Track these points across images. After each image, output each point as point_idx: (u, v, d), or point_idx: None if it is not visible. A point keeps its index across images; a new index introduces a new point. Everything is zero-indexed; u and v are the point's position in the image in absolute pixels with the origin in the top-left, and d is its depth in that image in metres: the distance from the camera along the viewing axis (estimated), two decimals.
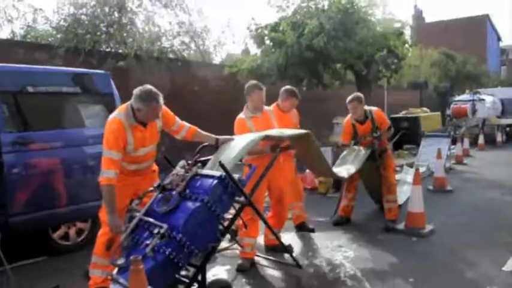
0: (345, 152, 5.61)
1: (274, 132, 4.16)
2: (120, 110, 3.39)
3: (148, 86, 3.35)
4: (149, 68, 9.52)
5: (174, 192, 3.24)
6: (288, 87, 5.23)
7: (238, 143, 3.76)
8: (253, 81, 4.55)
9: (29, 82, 4.39)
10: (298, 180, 5.55)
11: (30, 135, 4.21)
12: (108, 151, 3.24)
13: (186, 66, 11.15)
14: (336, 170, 5.23)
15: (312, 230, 5.41)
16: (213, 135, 3.88)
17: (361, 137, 5.53)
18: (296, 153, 5.00)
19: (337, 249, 4.80)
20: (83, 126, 4.70)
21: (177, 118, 3.71)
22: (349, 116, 5.63)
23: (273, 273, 4.23)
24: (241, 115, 4.45)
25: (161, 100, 3.33)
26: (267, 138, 3.98)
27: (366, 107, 5.53)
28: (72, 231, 4.69)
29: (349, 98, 5.49)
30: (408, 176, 7.06)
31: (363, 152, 5.42)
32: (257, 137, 3.81)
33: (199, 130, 3.84)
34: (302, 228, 5.43)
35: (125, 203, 3.40)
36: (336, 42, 9.41)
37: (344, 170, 5.25)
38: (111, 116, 3.38)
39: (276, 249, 4.61)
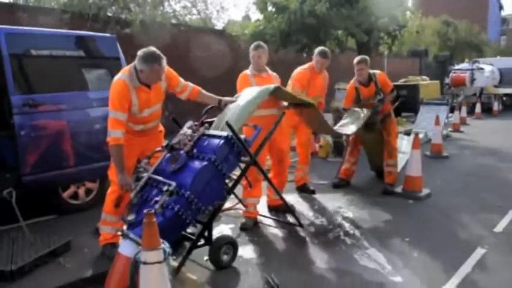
0: (345, 120, 5.61)
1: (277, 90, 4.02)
2: (124, 71, 3.42)
3: (152, 48, 3.36)
4: (153, 33, 9.44)
5: (182, 152, 3.33)
6: (320, 47, 5.29)
7: (242, 104, 3.79)
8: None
9: (37, 45, 4.41)
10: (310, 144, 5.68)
11: (38, 98, 4.25)
12: (114, 112, 3.30)
13: (188, 32, 11.06)
14: (337, 130, 5.37)
15: (313, 192, 5.57)
16: (216, 96, 3.92)
17: (365, 99, 5.57)
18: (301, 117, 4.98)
19: (337, 210, 4.98)
20: (89, 89, 4.72)
21: (180, 79, 3.74)
22: (353, 80, 5.67)
23: (275, 231, 4.40)
24: (246, 71, 4.52)
25: (164, 63, 3.36)
26: (270, 94, 3.93)
27: (370, 71, 5.58)
28: (81, 191, 4.81)
29: (357, 59, 5.52)
30: (403, 144, 7.09)
31: (363, 114, 5.46)
32: (260, 96, 3.83)
33: (202, 91, 3.88)
34: (303, 190, 5.61)
35: (133, 162, 3.49)
36: (338, 9, 9.35)
37: (347, 130, 5.34)
38: (116, 77, 3.41)
39: (279, 209, 4.78)
